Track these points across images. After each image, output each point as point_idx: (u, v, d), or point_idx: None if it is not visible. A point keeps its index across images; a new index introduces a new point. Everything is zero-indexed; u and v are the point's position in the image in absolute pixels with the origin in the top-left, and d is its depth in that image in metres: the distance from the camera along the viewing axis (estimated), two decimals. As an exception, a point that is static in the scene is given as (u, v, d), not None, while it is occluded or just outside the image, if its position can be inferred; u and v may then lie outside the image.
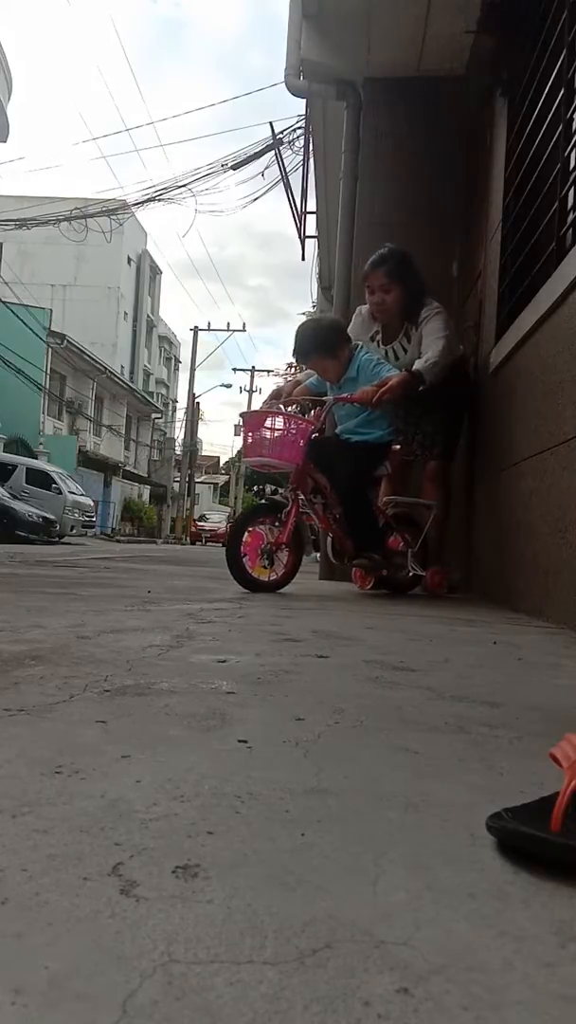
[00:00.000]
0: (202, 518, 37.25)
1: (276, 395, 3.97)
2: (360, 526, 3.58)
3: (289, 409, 3.76)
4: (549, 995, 0.43)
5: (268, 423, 3.47)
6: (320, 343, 3.61)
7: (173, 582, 4.05)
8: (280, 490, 3.77)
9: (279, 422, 3.49)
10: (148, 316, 39.67)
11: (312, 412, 3.64)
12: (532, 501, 3.03)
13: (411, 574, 3.81)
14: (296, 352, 3.74)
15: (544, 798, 0.68)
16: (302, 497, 3.50)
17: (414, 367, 3.61)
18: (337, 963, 0.45)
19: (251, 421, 3.55)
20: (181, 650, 1.61)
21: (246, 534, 3.43)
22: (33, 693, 1.13)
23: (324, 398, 3.64)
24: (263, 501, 3.98)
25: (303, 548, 3.52)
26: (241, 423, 3.62)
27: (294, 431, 3.45)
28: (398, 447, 3.83)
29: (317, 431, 3.49)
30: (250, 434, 3.50)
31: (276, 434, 3.46)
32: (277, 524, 3.44)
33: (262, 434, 3.46)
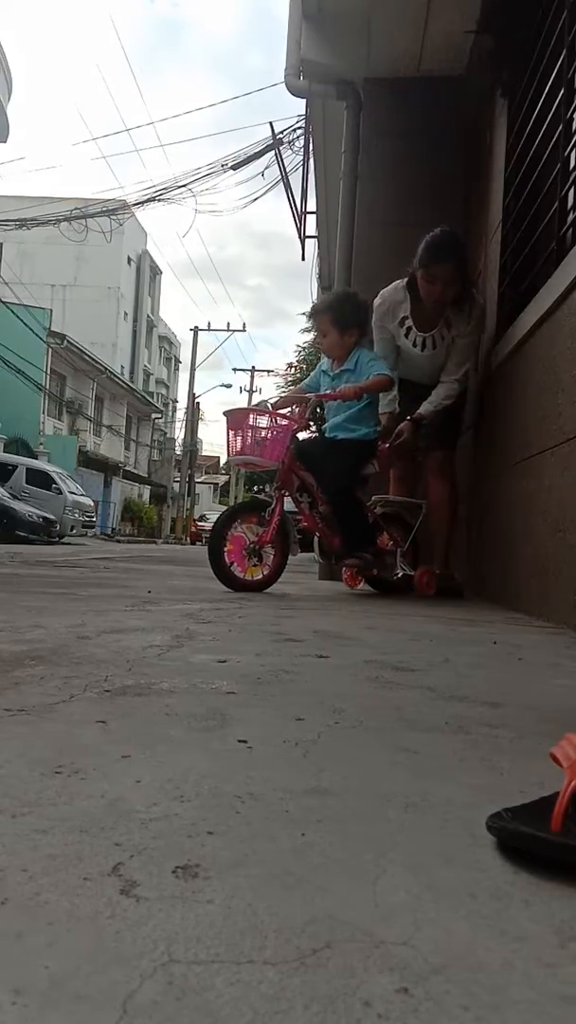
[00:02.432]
0: (202, 518, 37.22)
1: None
2: (349, 524, 3.54)
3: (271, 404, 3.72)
4: (549, 995, 0.43)
5: (251, 421, 3.42)
6: (337, 309, 3.58)
7: (173, 582, 4.05)
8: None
9: (263, 420, 3.43)
10: (148, 316, 39.68)
11: (296, 409, 3.59)
12: (532, 501, 3.03)
13: (400, 574, 3.78)
14: (315, 305, 3.71)
15: (544, 798, 0.68)
16: (287, 495, 3.46)
17: (420, 408, 3.70)
18: (337, 963, 0.45)
19: (234, 419, 3.49)
20: (181, 650, 1.61)
21: (227, 540, 3.36)
22: (33, 693, 1.13)
23: (308, 394, 3.61)
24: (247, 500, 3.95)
25: (288, 547, 3.48)
26: (225, 422, 3.55)
27: (278, 429, 3.41)
28: (386, 445, 3.76)
29: (301, 428, 3.46)
30: (233, 432, 3.45)
31: (260, 432, 3.41)
32: (260, 523, 3.39)
33: (245, 432, 3.41)
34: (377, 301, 3.88)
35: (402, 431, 3.71)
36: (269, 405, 3.67)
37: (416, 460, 4.00)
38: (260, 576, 3.41)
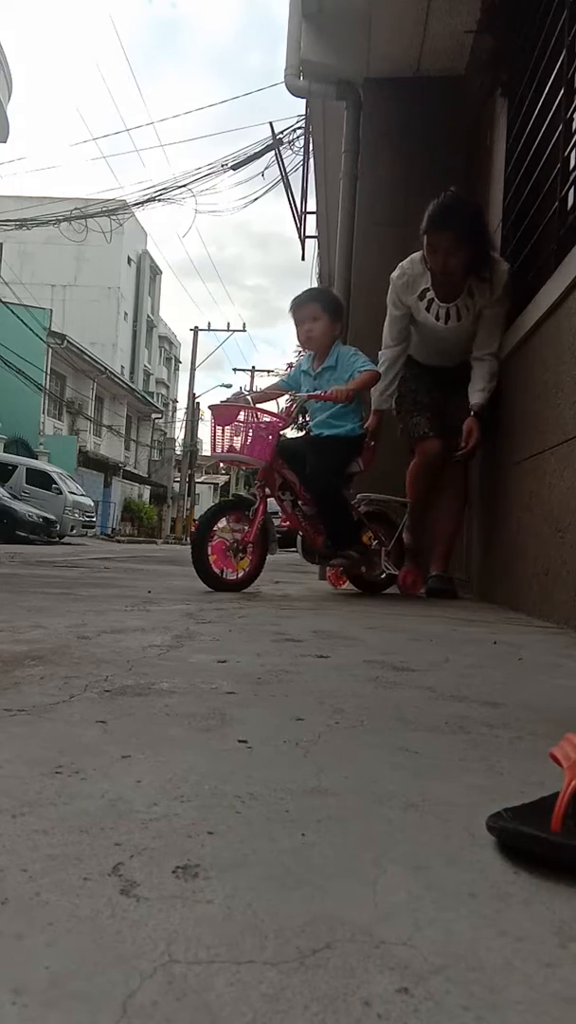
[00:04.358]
0: (202, 518, 37.13)
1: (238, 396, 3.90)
2: (334, 523, 3.50)
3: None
4: (549, 995, 0.43)
5: (240, 417, 3.37)
6: (324, 298, 3.61)
7: (173, 582, 4.05)
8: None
9: (249, 416, 3.38)
10: (148, 316, 39.71)
11: (284, 407, 3.56)
12: (532, 501, 3.03)
13: (384, 574, 3.73)
14: (298, 297, 3.57)
15: (544, 798, 0.68)
16: (269, 493, 3.42)
17: (472, 401, 3.51)
18: (337, 963, 0.45)
19: (220, 415, 3.43)
20: (181, 650, 1.61)
21: (210, 547, 3.31)
22: (33, 693, 1.13)
23: (295, 393, 3.58)
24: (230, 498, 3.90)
25: (268, 546, 3.43)
26: (210, 416, 3.51)
27: (264, 426, 3.37)
28: (373, 443, 3.68)
29: (288, 427, 3.44)
30: (220, 428, 3.40)
31: (247, 429, 3.36)
32: (242, 521, 3.37)
33: (234, 428, 3.36)
34: (395, 274, 3.66)
35: (472, 432, 3.49)
36: (249, 399, 3.61)
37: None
38: (243, 573, 3.38)
